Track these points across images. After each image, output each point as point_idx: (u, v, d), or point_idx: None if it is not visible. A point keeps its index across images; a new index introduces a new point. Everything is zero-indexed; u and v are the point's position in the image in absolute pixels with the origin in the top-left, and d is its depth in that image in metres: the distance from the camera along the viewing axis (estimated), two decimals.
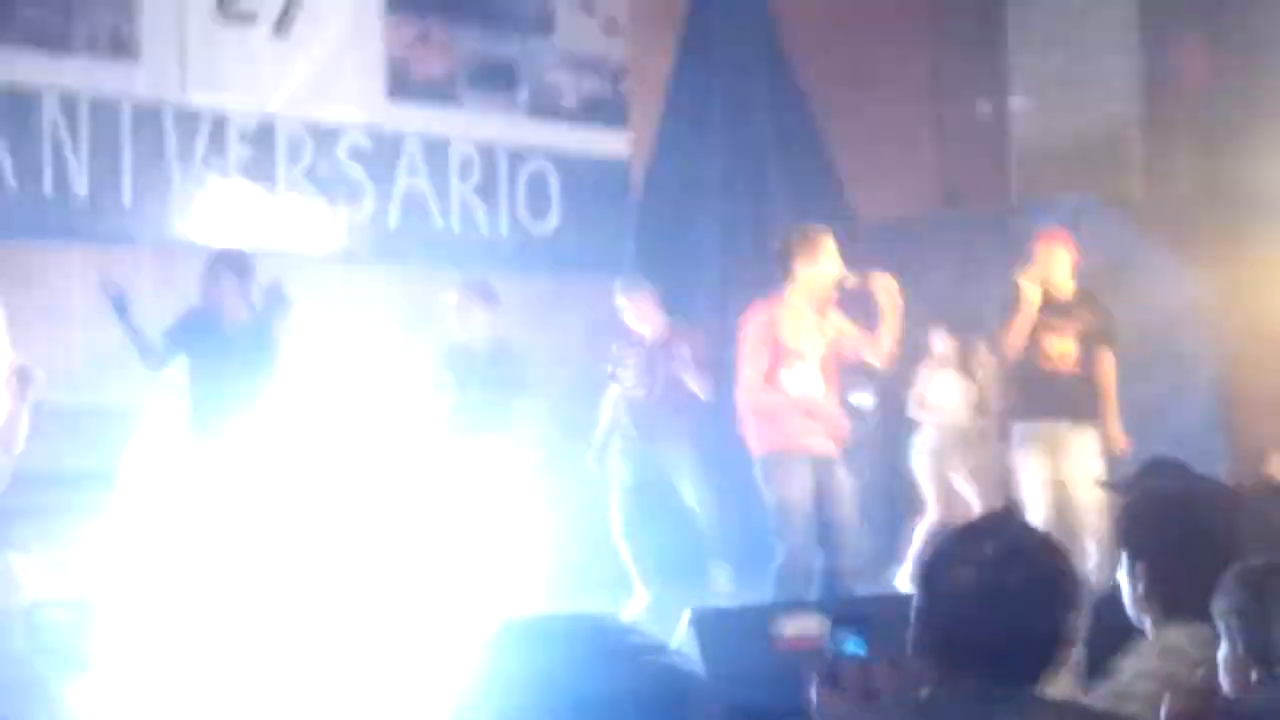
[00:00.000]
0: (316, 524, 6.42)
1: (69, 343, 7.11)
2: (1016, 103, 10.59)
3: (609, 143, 9.47)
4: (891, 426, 9.02)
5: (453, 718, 1.64)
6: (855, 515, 6.56)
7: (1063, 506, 6.93)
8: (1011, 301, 7.01)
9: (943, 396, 8.67)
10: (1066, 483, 7.01)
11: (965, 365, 8.65)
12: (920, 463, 8.66)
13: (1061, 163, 10.12)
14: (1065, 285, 7.18)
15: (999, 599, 2.36)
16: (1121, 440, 7.12)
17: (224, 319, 6.70)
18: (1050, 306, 7.08)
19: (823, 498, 6.37)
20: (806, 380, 6.39)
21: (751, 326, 6.44)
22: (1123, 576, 3.08)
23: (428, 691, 4.63)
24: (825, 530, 6.35)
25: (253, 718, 5.15)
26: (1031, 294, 6.98)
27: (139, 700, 5.28)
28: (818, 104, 10.01)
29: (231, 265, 6.78)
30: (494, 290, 7.49)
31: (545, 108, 9.23)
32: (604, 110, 9.46)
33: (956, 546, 2.46)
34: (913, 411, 8.74)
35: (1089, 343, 7.17)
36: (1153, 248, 8.67)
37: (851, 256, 9.63)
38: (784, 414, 6.36)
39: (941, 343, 8.72)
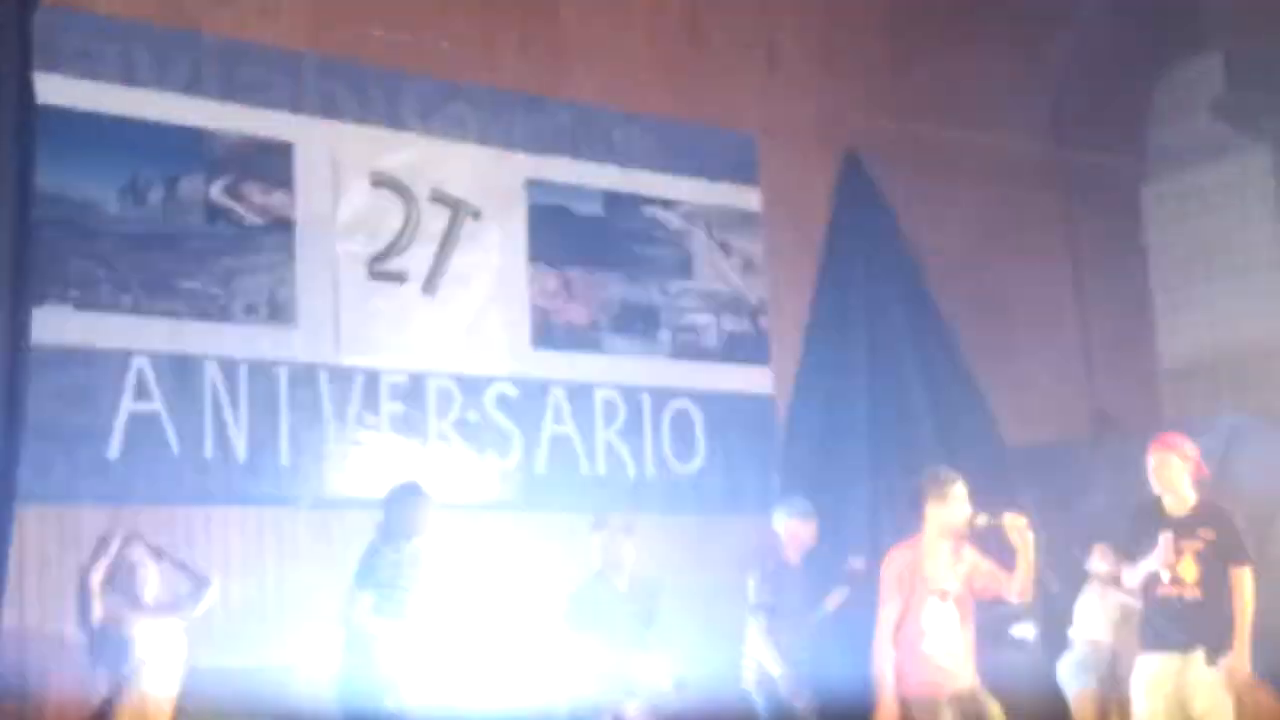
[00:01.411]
0: None
1: (228, 601, 7.24)
2: (1162, 320, 10.50)
3: (751, 379, 9.54)
4: (1054, 657, 8.75)
5: None
6: None
7: None
8: (1144, 520, 6.55)
9: (1097, 616, 8.43)
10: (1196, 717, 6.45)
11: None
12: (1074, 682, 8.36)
13: (1213, 380, 9.96)
14: (1184, 499, 6.59)
15: None
16: (1245, 674, 6.50)
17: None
18: (1167, 523, 6.53)
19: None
20: (942, 618, 6.44)
21: (888, 569, 6.53)
22: None
23: None
24: None
25: None
26: (1169, 552, 6.42)
27: None
28: (960, 333, 10.01)
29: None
30: (633, 524, 7.52)
31: (687, 349, 9.37)
32: (745, 348, 9.57)
33: None
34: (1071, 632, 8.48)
35: (1212, 562, 6.51)
36: None
37: (1001, 485, 9.57)
38: (914, 666, 6.42)
39: (1103, 562, 8.47)
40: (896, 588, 6.45)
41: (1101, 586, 8.49)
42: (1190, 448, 6.74)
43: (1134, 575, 6.67)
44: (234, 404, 7.72)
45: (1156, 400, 10.39)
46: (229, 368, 7.74)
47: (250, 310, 7.86)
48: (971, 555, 6.57)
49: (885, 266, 9.89)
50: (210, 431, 7.63)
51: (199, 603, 6.97)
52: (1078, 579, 8.51)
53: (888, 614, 6.45)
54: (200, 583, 7.03)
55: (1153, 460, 6.67)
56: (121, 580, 6.82)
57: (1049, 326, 10.29)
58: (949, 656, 6.44)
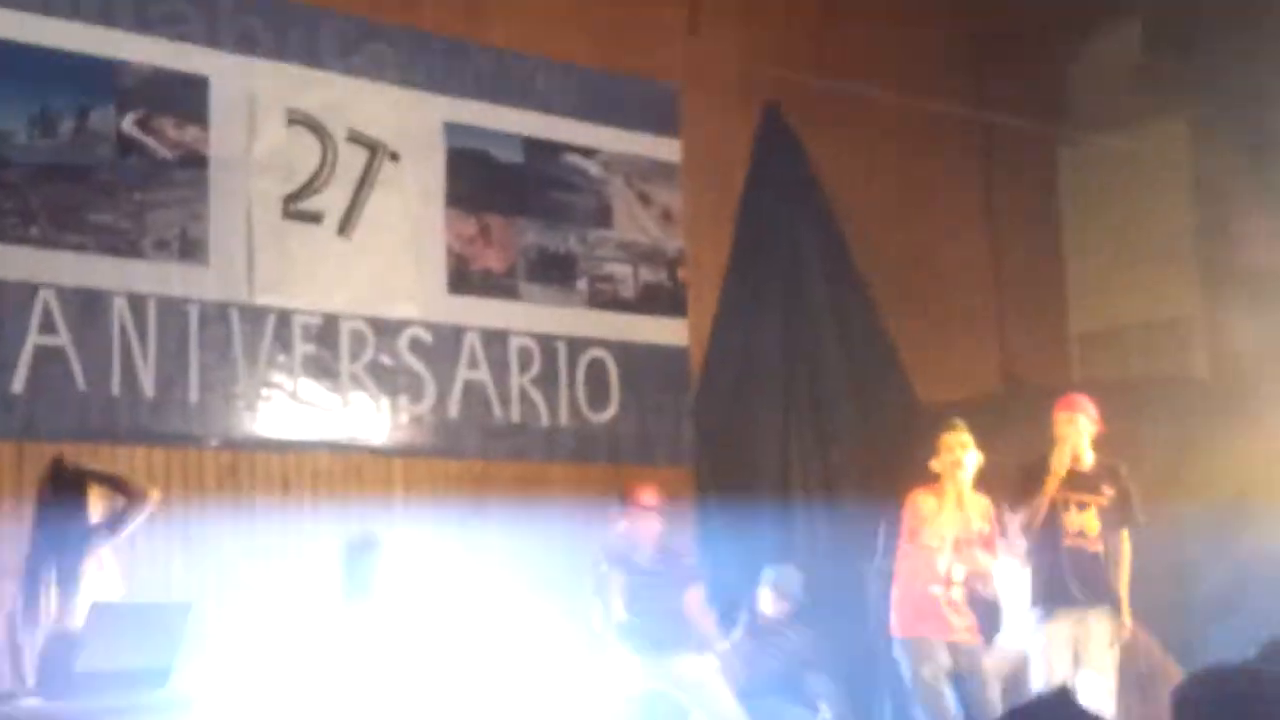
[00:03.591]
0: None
1: (132, 539, 7.15)
2: (1074, 286, 10.62)
3: (668, 331, 9.56)
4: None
5: None
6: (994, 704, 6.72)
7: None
8: (1034, 475, 6.77)
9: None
10: (1084, 668, 6.72)
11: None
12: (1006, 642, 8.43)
13: (1122, 344, 10.10)
14: (1085, 457, 6.89)
15: None
16: (1128, 628, 6.87)
17: None
18: (1070, 479, 6.77)
19: (963, 683, 6.78)
20: (947, 566, 6.76)
21: (909, 510, 6.84)
22: None
23: None
24: (974, 710, 6.76)
25: None
26: (1058, 469, 6.74)
27: None
28: (876, 289, 10.08)
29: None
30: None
31: (604, 298, 9.36)
32: (662, 299, 9.58)
33: None
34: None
35: (1110, 519, 6.84)
36: (1218, 427, 8.57)
37: (912, 441, 9.67)
38: (926, 599, 6.75)
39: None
40: (911, 530, 6.75)
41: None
42: (1093, 408, 6.95)
43: (1015, 527, 6.88)
44: (142, 341, 7.62)
45: (1066, 363, 10.53)
46: (137, 304, 7.63)
47: (161, 246, 7.75)
48: (981, 505, 6.88)
49: (804, 222, 9.93)
50: (118, 368, 7.53)
51: (134, 519, 6.67)
52: None
53: (903, 554, 6.81)
54: (136, 497, 6.68)
55: (1058, 419, 6.86)
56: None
57: (964, 286, 10.40)
58: (952, 606, 6.75)
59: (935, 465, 6.85)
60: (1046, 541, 6.83)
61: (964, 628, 6.82)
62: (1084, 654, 6.74)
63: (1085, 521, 6.81)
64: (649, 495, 7.55)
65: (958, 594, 6.84)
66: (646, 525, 7.45)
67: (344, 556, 6.98)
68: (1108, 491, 6.88)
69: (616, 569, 7.33)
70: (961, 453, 6.81)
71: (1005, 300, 10.81)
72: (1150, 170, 10.53)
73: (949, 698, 6.72)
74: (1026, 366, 10.50)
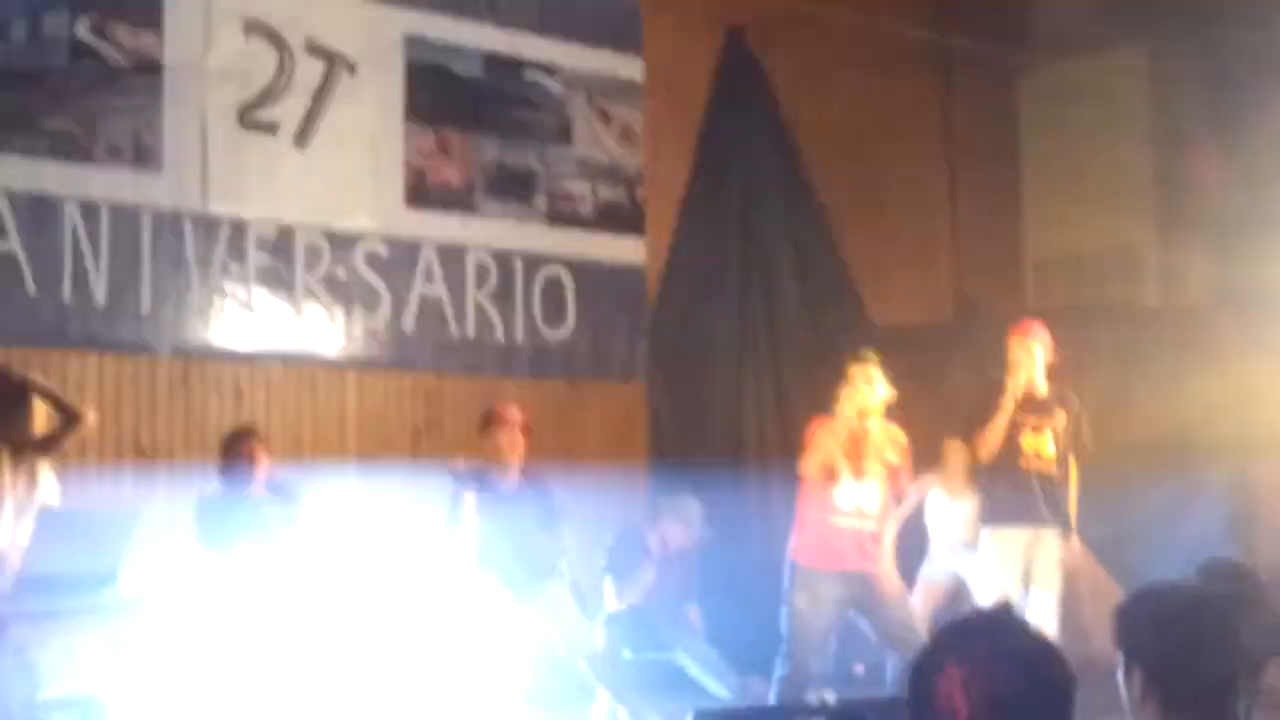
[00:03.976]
0: (324, 634, 6.39)
1: (79, 447, 7.13)
2: (1030, 212, 10.66)
3: (625, 250, 9.54)
4: (908, 529, 8.94)
5: None
6: (911, 626, 6.67)
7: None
8: (989, 399, 6.84)
9: (951, 506, 8.38)
10: (1033, 588, 6.81)
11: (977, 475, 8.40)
12: (934, 571, 8.43)
13: (1075, 270, 10.15)
14: (1040, 382, 6.96)
15: (991, 700, 2.31)
16: (1077, 552, 6.99)
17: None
18: (1026, 403, 6.87)
19: (862, 612, 6.68)
20: (853, 497, 6.61)
21: (811, 440, 6.64)
22: (1120, 679, 3.03)
23: None
24: (887, 639, 6.73)
25: None
26: (1014, 390, 6.80)
27: None
28: (834, 212, 10.10)
29: None
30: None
31: (562, 215, 9.33)
32: (620, 217, 9.55)
33: (949, 643, 2.43)
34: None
35: (1061, 443, 6.94)
36: (1166, 352, 8.66)
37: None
38: (827, 530, 6.60)
39: (954, 455, 8.35)
40: (814, 459, 6.56)
41: (954, 479, 8.34)
42: (1047, 335, 7.02)
43: (982, 447, 6.90)
44: (94, 248, 7.56)
45: (1020, 289, 10.59)
46: (89, 210, 7.56)
47: (114, 153, 7.67)
48: (889, 435, 6.68)
49: (763, 144, 9.91)
50: (69, 274, 7.48)
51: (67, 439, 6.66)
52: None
53: (807, 482, 6.62)
54: (72, 418, 6.69)
55: (1013, 344, 6.92)
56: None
57: (921, 210, 10.42)
58: (854, 538, 6.59)
59: (841, 396, 6.61)
60: (1003, 463, 6.91)
61: (863, 559, 6.61)
62: (1034, 572, 6.85)
63: (1041, 445, 6.91)
64: (513, 409, 7.32)
65: (863, 525, 6.61)
66: (510, 441, 7.22)
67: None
68: (1060, 415, 6.97)
69: (471, 489, 7.13)
70: (866, 386, 6.58)
71: (961, 225, 10.85)
72: (1109, 99, 10.54)
73: (823, 629, 6.61)
74: (980, 291, 10.55)
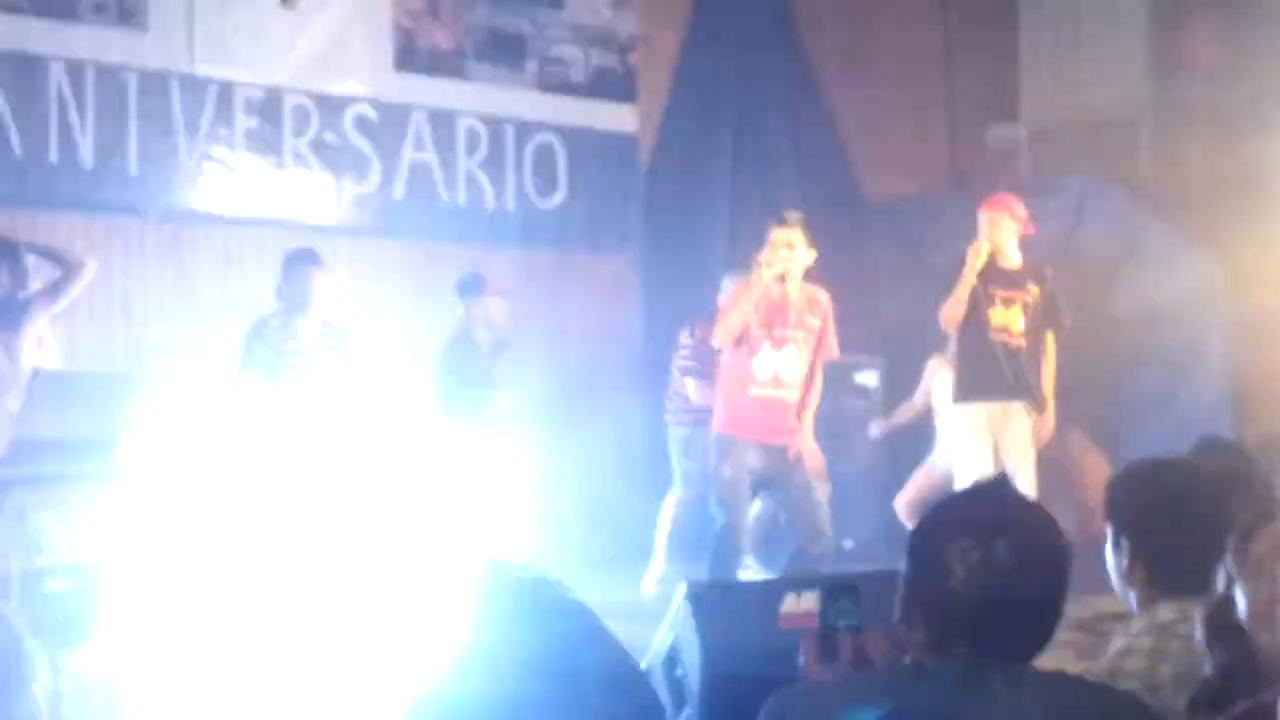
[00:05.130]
0: (316, 493, 6.41)
1: (73, 310, 7.10)
2: (1026, 83, 10.54)
3: (617, 117, 9.44)
4: (897, 404, 8.98)
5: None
6: (817, 503, 6.48)
7: None
8: (958, 271, 6.74)
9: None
10: (1005, 462, 6.72)
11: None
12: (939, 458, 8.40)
13: (1070, 144, 10.08)
14: (1011, 255, 6.86)
15: (989, 569, 2.32)
16: (1049, 428, 6.92)
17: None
18: (995, 276, 6.77)
19: (778, 484, 6.47)
20: (773, 363, 6.40)
21: (724, 307, 6.49)
22: (1108, 552, 3.06)
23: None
24: (789, 515, 6.52)
25: (253, 690, 5.16)
26: (974, 260, 6.70)
27: (138, 671, 5.29)
28: (827, 81, 9.99)
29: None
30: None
31: (553, 81, 9.21)
32: (612, 84, 9.43)
33: (947, 515, 2.44)
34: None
35: (1033, 318, 6.84)
36: (1161, 231, 8.62)
37: (856, 234, 9.69)
38: (743, 400, 6.40)
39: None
40: (727, 327, 6.36)
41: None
42: (1021, 208, 6.96)
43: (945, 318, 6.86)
44: (80, 108, 7.46)
45: (1014, 161, 10.51)
46: (75, 70, 7.44)
47: (99, 10, 7.53)
48: (808, 304, 6.44)
49: (757, 9, 9.76)
50: (55, 135, 7.38)
51: (71, 290, 6.57)
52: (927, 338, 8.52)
53: (716, 337, 6.44)
54: (73, 268, 6.48)
55: (984, 218, 6.89)
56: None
57: (915, 80, 10.29)
58: (771, 407, 6.37)
59: (760, 259, 6.35)
60: (970, 334, 6.86)
61: (779, 431, 6.39)
62: (1003, 445, 6.81)
63: (1009, 318, 6.82)
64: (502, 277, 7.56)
65: (781, 394, 6.39)
66: (496, 305, 7.51)
67: (284, 268, 6.84)
68: (1033, 290, 6.89)
69: (456, 348, 7.42)
70: (786, 251, 6.29)
71: (956, 94, 10.73)
72: None
73: (749, 497, 6.46)
74: (974, 164, 10.48)
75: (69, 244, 6.79)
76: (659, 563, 7.67)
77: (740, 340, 6.36)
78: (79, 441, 5.54)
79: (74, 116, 7.43)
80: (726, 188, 9.58)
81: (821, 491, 6.54)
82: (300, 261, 6.82)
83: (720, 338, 6.42)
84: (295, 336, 6.75)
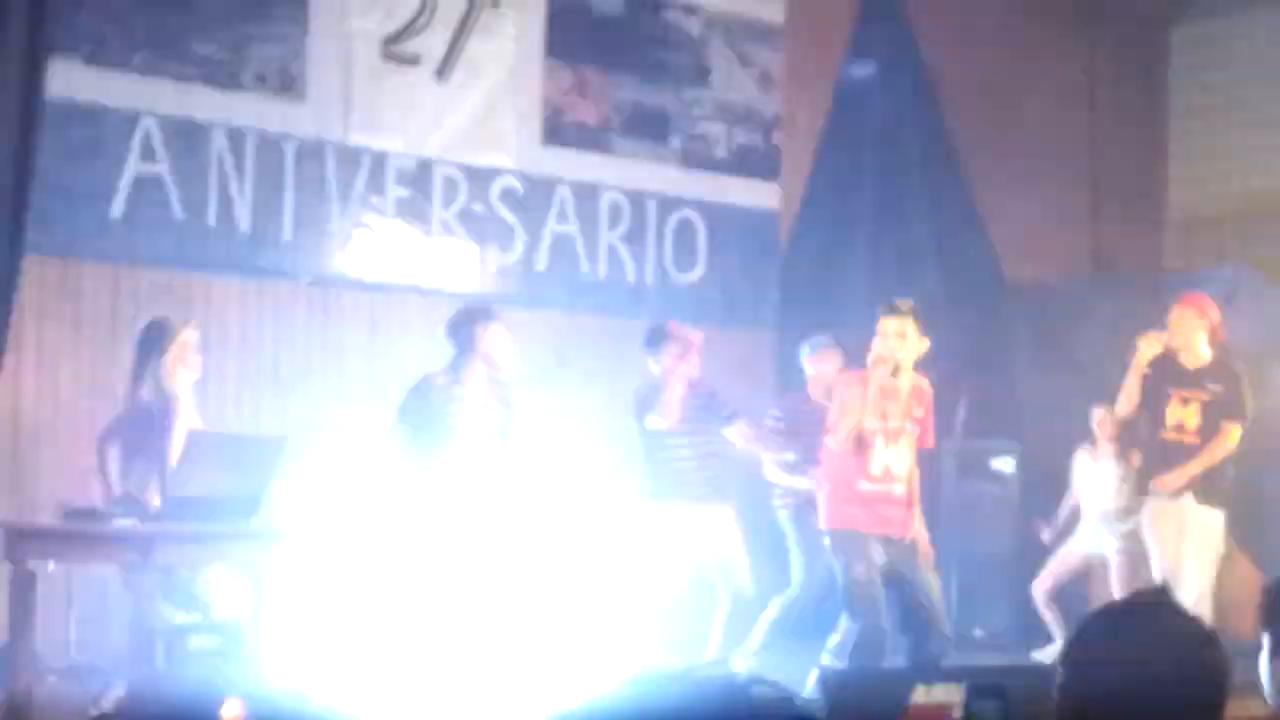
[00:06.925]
0: (464, 561, 6.46)
1: (223, 371, 7.30)
2: (1174, 168, 10.42)
3: (759, 194, 9.50)
4: (1032, 491, 8.87)
5: None
6: (937, 596, 6.36)
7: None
8: (1098, 360, 6.82)
9: (1099, 475, 8.19)
10: (1185, 563, 6.63)
11: (1121, 441, 8.02)
12: (1077, 545, 8.21)
13: (1219, 233, 9.92)
14: (1197, 354, 6.83)
15: (1146, 682, 2.31)
16: (1171, 485, 6.76)
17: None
18: (1175, 375, 6.76)
19: (899, 578, 6.30)
20: (888, 458, 6.26)
21: (841, 392, 6.33)
22: (1263, 661, 3.00)
23: None
24: (907, 612, 6.32)
25: None
26: (1144, 355, 6.68)
27: None
28: (969, 162, 9.95)
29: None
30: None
31: (697, 158, 9.30)
32: (755, 162, 9.51)
33: (1105, 624, 2.42)
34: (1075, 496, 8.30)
35: (1213, 415, 6.76)
36: None
37: (996, 318, 9.60)
38: (855, 494, 6.26)
39: (1102, 423, 8.08)
40: (843, 414, 6.19)
41: (1103, 447, 8.17)
42: (1215, 311, 6.91)
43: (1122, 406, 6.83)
44: (240, 174, 7.69)
45: (1159, 248, 10.38)
46: (236, 137, 7.68)
47: (260, 80, 7.78)
48: (914, 395, 6.30)
49: (902, 90, 9.78)
50: (214, 199, 7.61)
51: None
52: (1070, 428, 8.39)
53: (836, 439, 6.25)
54: None
55: (1173, 313, 6.83)
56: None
57: (1060, 164, 10.22)
58: (883, 500, 6.24)
59: (873, 349, 6.21)
60: (1144, 430, 6.93)
61: (896, 524, 6.24)
62: (1185, 544, 6.69)
63: (1185, 416, 6.79)
64: (692, 331, 7.24)
65: (892, 489, 6.22)
66: (687, 365, 7.16)
67: (454, 322, 6.73)
68: (1213, 388, 6.81)
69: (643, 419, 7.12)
70: (898, 341, 6.16)
71: (1101, 179, 10.63)
72: (1262, 53, 10.27)
73: (883, 597, 6.20)
74: (1118, 250, 10.36)
75: (220, 313, 6.97)
76: (755, 640, 7.41)
77: (856, 443, 6.21)
78: (227, 501, 5.67)
79: (233, 182, 7.66)
80: (865, 266, 9.56)
81: (935, 584, 6.42)
82: (474, 314, 6.78)
83: (839, 441, 6.23)
84: (462, 395, 6.62)
